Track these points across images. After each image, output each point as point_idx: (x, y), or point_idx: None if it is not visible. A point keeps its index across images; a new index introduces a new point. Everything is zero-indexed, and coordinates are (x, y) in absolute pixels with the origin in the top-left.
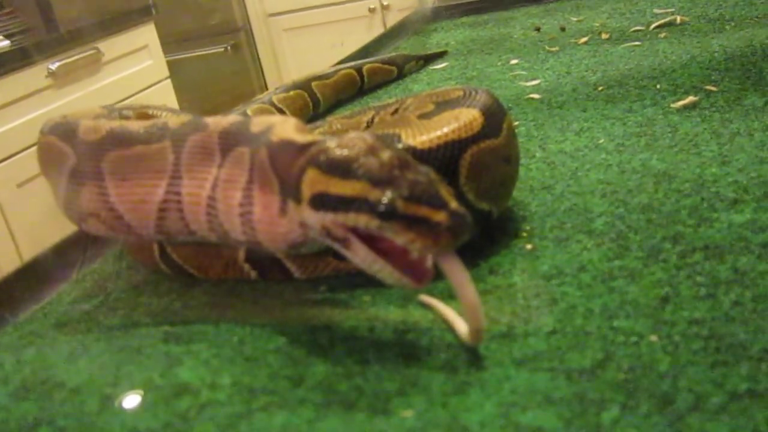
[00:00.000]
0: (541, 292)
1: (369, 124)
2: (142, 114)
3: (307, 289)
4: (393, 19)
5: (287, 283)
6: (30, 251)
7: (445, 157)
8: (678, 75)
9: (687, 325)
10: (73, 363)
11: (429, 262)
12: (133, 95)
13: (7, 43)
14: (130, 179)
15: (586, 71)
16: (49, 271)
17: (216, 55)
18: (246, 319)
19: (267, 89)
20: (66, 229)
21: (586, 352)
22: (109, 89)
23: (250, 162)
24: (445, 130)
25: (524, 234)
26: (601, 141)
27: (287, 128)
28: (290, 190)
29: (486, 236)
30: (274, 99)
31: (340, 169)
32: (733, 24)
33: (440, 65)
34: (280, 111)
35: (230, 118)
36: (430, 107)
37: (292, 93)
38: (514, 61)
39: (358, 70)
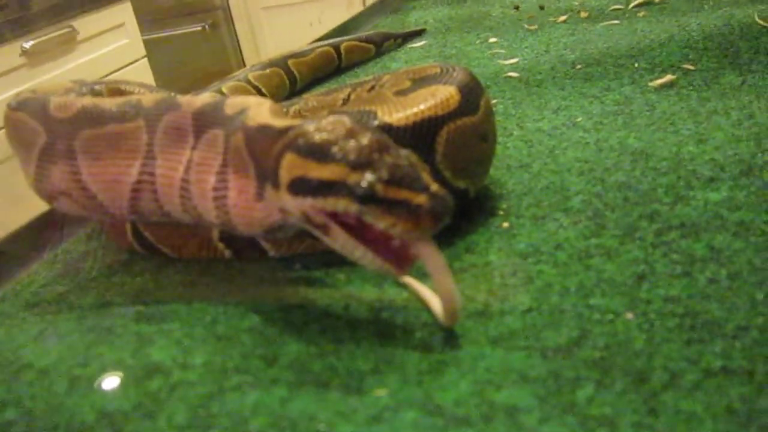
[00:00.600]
0: (517, 270)
1: (345, 101)
2: (114, 89)
3: (281, 267)
4: None
5: (262, 261)
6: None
7: (421, 135)
8: (656, 54)
9: (662, 303)
10: (42, 343)
11: (411, 248)
12: (109, 74)
13: None
14: (103, 158)
15: (565, 50)
16: (21, 251)
17: (194, 34)
18: (219, 299)
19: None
20: (38, 208)
21: (561, 330)
22: (85, 68)
23: (224, 145)
24: (422, 107)
25: (501, 212)
26: (578, 119)
27: (263, 112)
28: (268, 175)
29: (462, 215)
30: (250, 76)
31: (319, 152)
32: (711, 3)
33: (418, 43)
34: (257, 89)
35: (204, 98)
36: (407, 84)
37: (268, 71)
38: (492, 40)
39: (336, 48)
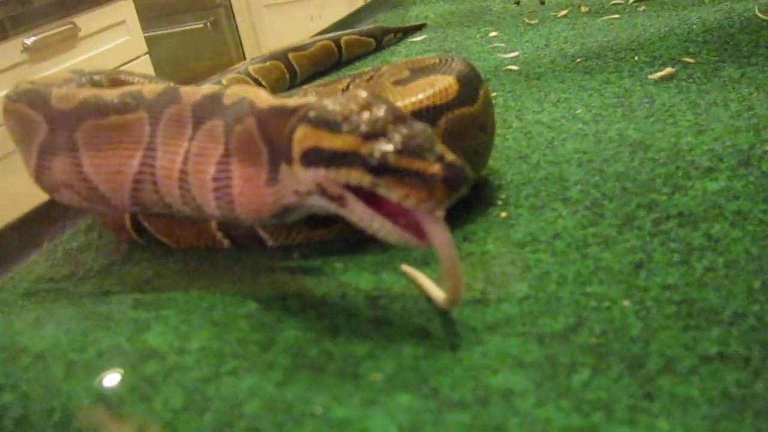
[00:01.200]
0: (515, 259)
1: (344, 92)
2: (114, 79)
3: (279, 256)
4: None
5: (260, 251)
6: None
7: None
8: (656, 47)
9: (660, 291)
10: (39, 329)
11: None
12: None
13: None
14: (104, 150)
15: (565, 43)
16: (20, 242)
17: (195, 31)
18: (217, 286)
19: None
20: (38, 199)
21: (558, 317)
22: (86, 64)
23: (224, 135)
24: (420, 96)
25: (499, 202)
26: (578, 111)
27: (268, 97)
28: (282, 153)
29: (461, 204)
30: (250, 69)
31: (332, 122)
32: None
33: (419, 38)
34: (256, 81)
35: (204, 89)
36: (406, 74)
37: (268, 64)
38: (493, 34)
39: (336, 41)
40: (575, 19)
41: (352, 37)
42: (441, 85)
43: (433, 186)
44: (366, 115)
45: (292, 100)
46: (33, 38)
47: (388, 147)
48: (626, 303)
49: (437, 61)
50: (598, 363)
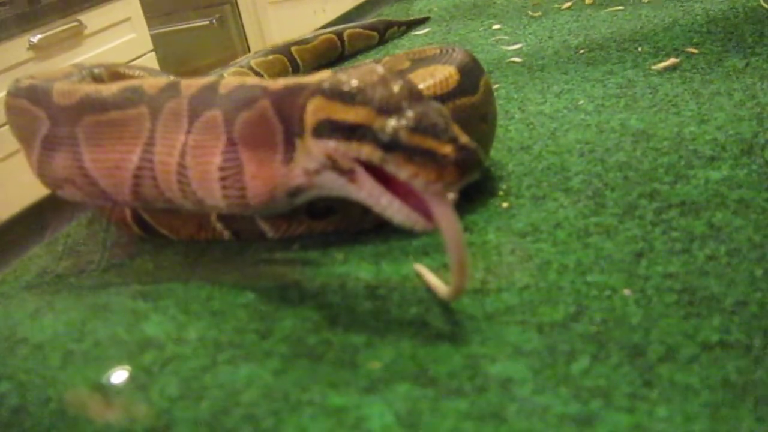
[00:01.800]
0: (516, 248)
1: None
2: (114, 72)
3: (279, 248)
4: None
5: (260, 243)
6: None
7: None
8: (660, 38)
9: (661, 279)
10: (37, 320)
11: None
12: None
13: None
14: (104, 145)
15: (568, 35)
16: (21, 234)
17: (201, 29)
18: (216, 277)
19: None
20: (39, 192)
21: (558, 306)
22: (92, 62)
23: (225, 125)
24: (421, 86)
25: (501, 193)
26: (580, 102)
27: (278, 79)
28: (295, 128)
29: (462, 195)
30: (253, 63)
31: (346, 95)
32: None
33: (422, 31)
34: (259, 75)
35: (201, 81)
36: (406, 64)
37: (271, 57)
38: (496, 26)
39: (339, 35)
40: (579, 11)
41: (355, 30)
42: (441, 75)
43: (444, 167)
44: (381, 89)
45: (308, 77)
46: (39, 36)
47: (401, 123)
48: (627, 292)
49: (438, 51)
50: (597, 351)
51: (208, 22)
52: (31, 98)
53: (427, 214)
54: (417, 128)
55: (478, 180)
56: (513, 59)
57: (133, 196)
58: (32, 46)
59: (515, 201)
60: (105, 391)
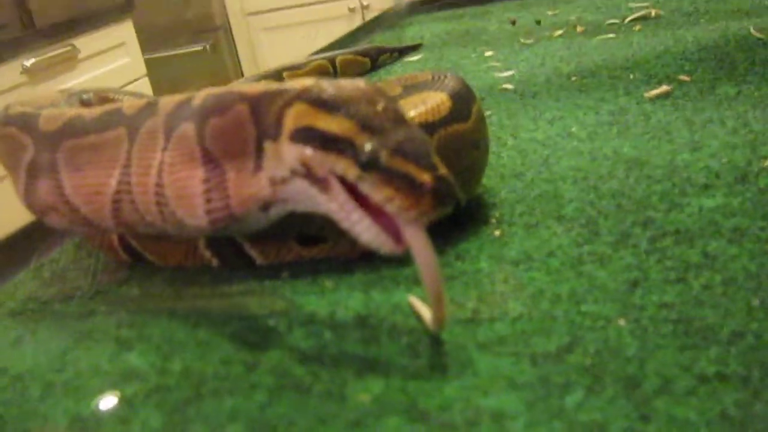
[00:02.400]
0: (509, 277)
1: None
2: (103, 97)
3: (268, 275)
4: None
5: (249, 270)
6: None
7: None
8: (651, 65)
9: (656, 309)
10: (18, 349)
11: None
12: None
13: None
14: (83, 170)
15: (560, 62)
16: (7, 259)
17: (195, 54)
18: (203, 305)
19: None
20: (25, 218)
21: (552, 337)
22: (86, 86)
23: (198, 136)
24: (412, 113)
25: (493, 220)
26: (573, 129)
27: (256, 84)
28: (270, 131)
29: (453, 223)
30: None
31: (331, 105)
32: (707, 17)
33: (414, 57)
34: None
35: (179, 97)
36: (398, 90)
37: (262, 83)
38: (488, 53)
39: (331, 61)
40: (571, 39)
41: (348, 56)
42: (433, 101)
43: (421, 195)
44: (367, 106)
45: (290, 83)
46: (32, 60)
47: (383, 143)
48: (622, 322)
49: (430, 77)
50: (592, 384)
51: (201, 48)
52: (19, 126)
53: (396, 237)
54: (398, 151)
55: (471, 207)
56: (505, 86)
57: (115, 222)
58: (25, 70)
59: (508, 229)
60: (85, 424)
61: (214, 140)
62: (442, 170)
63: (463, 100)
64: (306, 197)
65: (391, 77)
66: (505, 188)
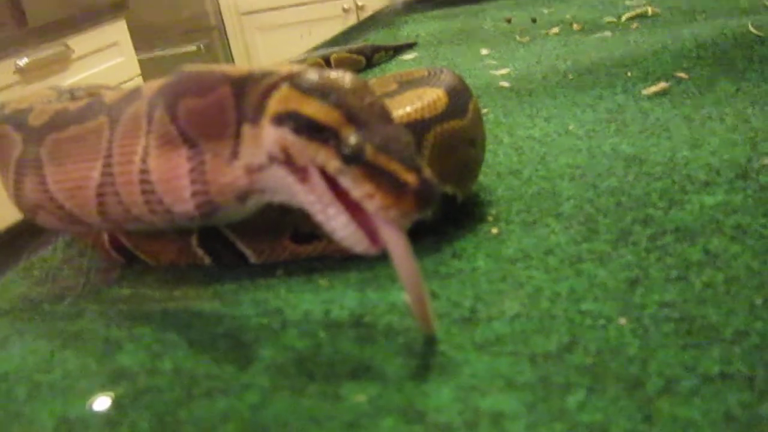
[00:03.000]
0: (506, 275)
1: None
2: (95, 94)
3: (262, 273)
4: None
5: (242, 268)
6: None
7: None
8: (649, 63)
9: (657, 308)
10: (5, 349)
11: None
12: None
13: None
14: (64, 164)
15: (557, 60)
16: None
17: (189, 54)
18: (195, 304)
19: None
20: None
21: (551, 336)
22: (79, 85)
23: (171, 118)
24: (408, 109)
25: (490, 218)
26: (570, 127)
27: (241, 65)
28: (249, 114)
29: (450, 220)
30: None
31: (320, 92)
32: (704, 15)
33: (410, 56)
34: None
35: (162, 81)
36: (394, 86)
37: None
38: (484, 51)
39: (326, 59)
40: (567, 37)
41: (342, 54)
42: (429, 98)
43: (403, 194)
44: (356, 98)
45: (277, 66)
46: (25, 59)
47: (369, 137)
48: (622, 321)
49: (426, 73)
50: (593, 384)
51: (195, 48)
52: (11, 123)
53: (372, 237)
54: (383, 148)
55: (467, 205)
56: (501, 84)
57: (101, 217)
58: (18, 70)
59: (505, 227)
60: (72, 426)
61: (190, 122)
62: (427, 172)
63: (460, 97)
64: (283, 186)
65: (386, 74)
66: (502, 186)
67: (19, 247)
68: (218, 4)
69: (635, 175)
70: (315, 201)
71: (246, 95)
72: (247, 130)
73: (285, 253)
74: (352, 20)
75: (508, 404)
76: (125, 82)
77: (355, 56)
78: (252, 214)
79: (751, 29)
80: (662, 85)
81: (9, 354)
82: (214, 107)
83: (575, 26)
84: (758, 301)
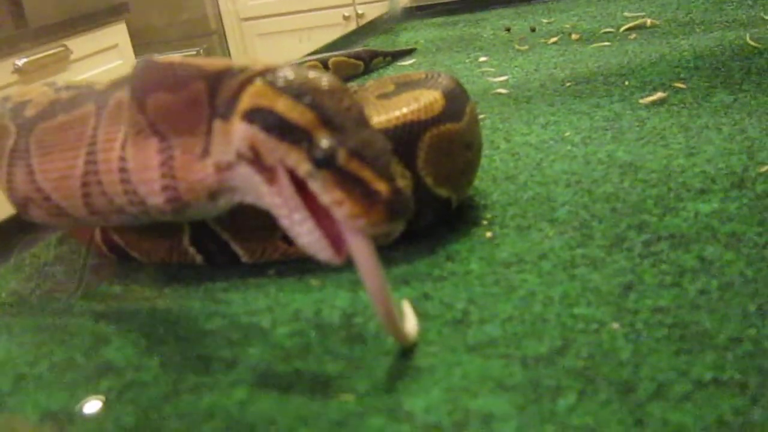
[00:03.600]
0: (500, 279)
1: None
2: (90, 85)
3: (253, 273)
4: None
5: (234, 267)
6: None
7: (403, 139)
8: (647, 73)
9: (650, 313)
10: None
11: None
12: None
13: None
14: (50, 153)
15: (555, 68)
16: None
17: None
18: (185, 302)
19: None
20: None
21: (543, 339)
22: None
23: (138, 107)
24: (404, 110)
25: (484, 222)
26: (567, 134)
27: (216, 59)
28: (221, 108)
29: (444, 224)
30: None
31: (295, 91)
32: (702, 27)
33: (408, 62)
34: None
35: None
36: (390, 88)
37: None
38: (482, 59)
39: (324, 63)
40: (565, 46)
41: (341, 58)
42: (426, 99)
43: (374, 204)
44: (333, 100)
45: (253, 62)
46: (24, 59)
47: (342, 142)
48: (615, 325)
49: (423, 76)
50: (585, 387)
51: (195, 53)
52: (9, 115)
53: (338, 245)
54: (357, 154)
55: (462, 209)
56: (499, 91)
57: (87, 210)
58: (17, 70)
59: (499, 231)
60: (56, 419)
61: (160, 116)
62: (401, 182)
63: (457, 100)
64: (250, 186)
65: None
66: (497, 191)
67: (10, 244)
68: (219, 9)
69: (630, 181)
70: (281, 204)
71: (220, 91)
72: (217, 125)
73: (277, 252)
74: (352, 28)
75: (498, 406)
76: None
77: (353, 60)
78: (244, 212)
79: (749, 41)
80: (659, 94)
81: None
82: (187, 103)
83: (574, 36)
84: (752, 309)
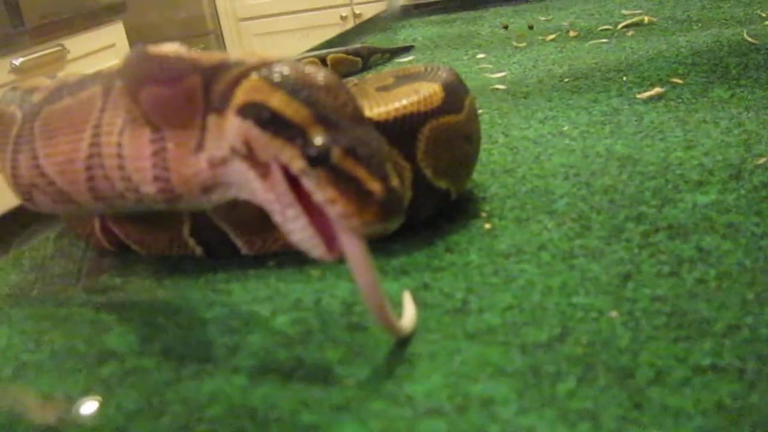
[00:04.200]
0: (499, 269)
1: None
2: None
3: (253, 264)
4: None
5: (234, 259)
6: None
7: (402, 130)
8: (644, 68)
9: (649, 302)
10: None
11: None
12: None
13: None
14: (55, 136)
15: (553, 65)
16: None
17: None
18: (185, 292)
19: None
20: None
21: (543, 327)
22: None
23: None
24: (404, 102)
25: (483, 214)
26: (565, 128)
27: (213, 53)
28: (215, 102)
29: (443, 216)
30: None
31: (290, 86)
32: (700, 24)
33: (406, 59)
34: None
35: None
36: (390, 81)
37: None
38: (480, 56)
39: (322, 59)
40: (563, 43)
41: (339, 55)
42: (426, 91)
43: (367, 203)
44: (329, 97)
45: (248, 56)
46: (21, 59)
47: (337, 140)
48: (614, 314)
49: (422, 69)
50: (584, 373)
51: None
52: (16, 102)
53: (330, 243)
54: (351, 152)
55: (461, 201)
56: (497, 86)
57: (91, 195)
58: (14, 69)
59: (498, 222)
60: (57, 404)
61: (153, 108)
62: (395, 182)
63: (456, 92)
64: (243, 181)
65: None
66: (496, 184)
67: (9, 237)
68: (216, 9)
69: (629, 174)
70: (274, 200)
71: (215, 85)
72: (212, 120)
73: (277, 244)
74: (349, 28)
75: (498, 390)
76: None
77: (351, 57)
78: (244, 204)
79: (747, 38)
80: (657, 89)
81: None
82: (181, 98)
83: (572, 33)
84: (749, 297)
